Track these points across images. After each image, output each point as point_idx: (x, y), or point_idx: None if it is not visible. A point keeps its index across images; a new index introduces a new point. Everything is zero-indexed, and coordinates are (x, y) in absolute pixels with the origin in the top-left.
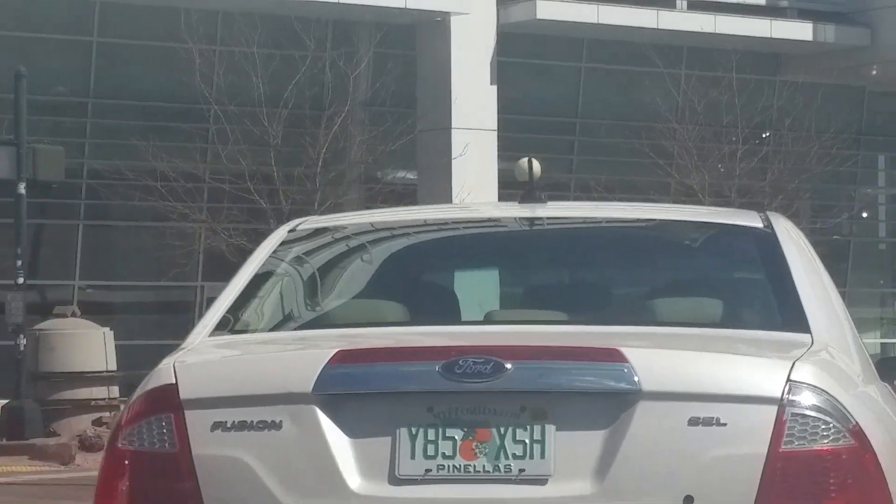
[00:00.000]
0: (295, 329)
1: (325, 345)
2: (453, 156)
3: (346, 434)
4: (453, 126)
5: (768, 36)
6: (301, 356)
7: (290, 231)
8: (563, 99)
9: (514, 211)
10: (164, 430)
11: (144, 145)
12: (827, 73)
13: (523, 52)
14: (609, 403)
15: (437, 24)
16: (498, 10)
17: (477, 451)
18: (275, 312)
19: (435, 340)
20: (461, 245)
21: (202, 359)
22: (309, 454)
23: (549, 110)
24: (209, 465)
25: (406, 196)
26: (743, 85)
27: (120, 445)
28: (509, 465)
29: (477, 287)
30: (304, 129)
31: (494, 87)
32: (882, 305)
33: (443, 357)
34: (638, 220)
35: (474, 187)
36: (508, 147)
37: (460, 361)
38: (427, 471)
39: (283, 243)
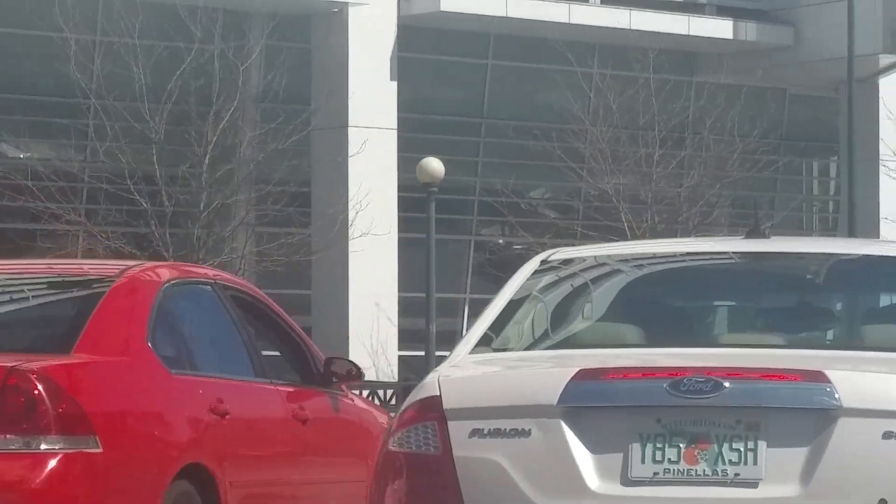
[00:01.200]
0: (545, 349)
1: (569, 363)
2: (350, 155)
3: (585, 441)
4: (350, 124)
5: (686, 33)
6: (548, 374)
7: (542, 262)
8: (468, 97)
9: (740, 245)
10: (430, 436)
11: (15, 141)
12: (748, 74)
13: (426, 46)
14: (813, 418)
15: (334, 16)
16: (399, 2)
17: (698, 457)
18: (527, 333)
19: (664, 361)
20: (691, 276)
21: (462, 374)
22: (553, 458)
23: (452, 109)
24: (468, 466)
25: (299, 197)
26: (660, 84)
27: (391, 448)
28: (726, 469)
29: (705, 313)
30: (190, 124)
31: (394, 84)
32: None
33: (670, 376)
34: (848, 255)
35: (372, 189)
36: (409, 148)
37: (685, 380)
38: (655, 473)
39: (535, 272)
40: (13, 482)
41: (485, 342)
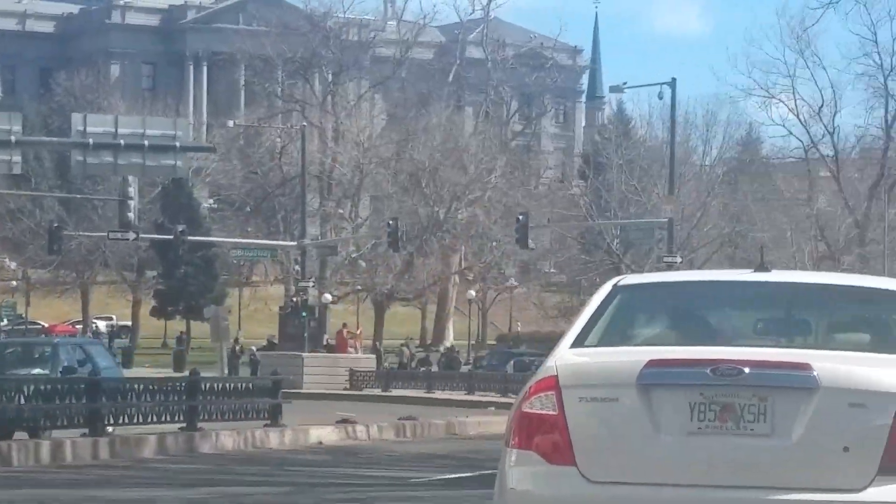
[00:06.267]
0: (620, 346)
1: (641, 356)
2: None
3: (654, 406)
4: None
5: None
6: (629, 362)
7: (613, 286)
8: None
9: (750, 276)
10: (551, 402)
11: None
12: None
13: None
14: (803, 393)
15: None
16: None
17: (728, 417)
18: (607, 336)
19: (705, 355)
20: (716, 297)
21: (571, 361)
22: (633, 418)
23: None
24: (576, 422)
25: None
26: None
27: (524, 410)
28: (746, 426)
29: (730, 323)
30: None
31: None
32: None
33: (710, 365)
34: (826, 284)
35: None
36: None
37: (720, 367)
38: (700, 428)
39: (609, 293)
40: None
41: (579, 342)
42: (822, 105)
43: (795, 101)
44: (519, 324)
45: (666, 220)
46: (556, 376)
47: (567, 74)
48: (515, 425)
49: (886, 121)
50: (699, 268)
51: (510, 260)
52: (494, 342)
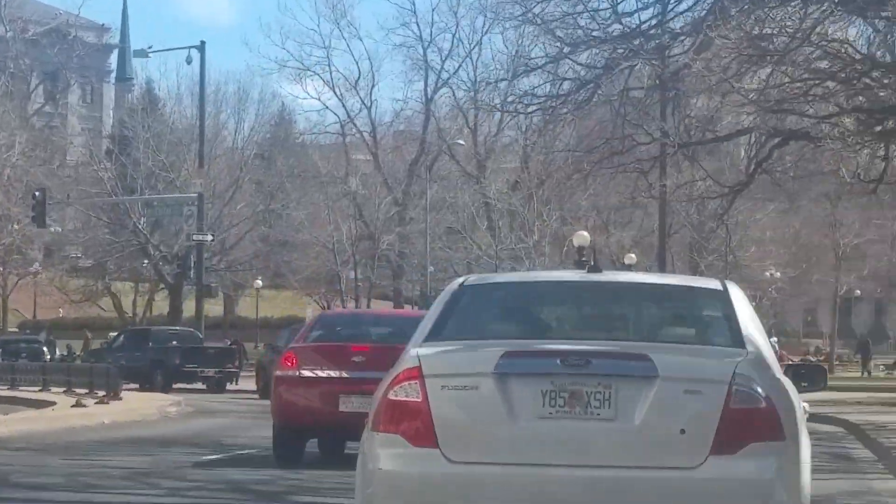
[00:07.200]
0: (471, 340)
1: (498, 348)
2: None
3: (509, 393)
4: None
5: None
6: (486, 353)
7: (460, 284)
8: None
9: (585, 276)
10: (414, 390)
11: None
12: None
13: None
14: (643, 381)
15: None
16: None
17: (576, 403)
18: (460, 331)
19: (556, 347)
20: (556, 295)
21: (430, 353)
22: (491, 403)
23: None
24: (438, 408)
25: None
26: None
27: (390, 397)
28: (592, 411)
29: (569, 319)
30: None
31: None
32: None
33: (560, 357)
34: (653, 283)
35: None
36: None
37: (569, 358)
38: (550, 413)
39: (456, 291)
40: None
41: (434, 335)
42: (358, 78)
43: (331, 73)
44: (62, 310)
45: (196, 194)
46: (420, 367)
47: (94, 53)
48: (381, 411)
49: (426, 94)
50: (231, 247)
51: (34, 243)
52: (17, 329)
